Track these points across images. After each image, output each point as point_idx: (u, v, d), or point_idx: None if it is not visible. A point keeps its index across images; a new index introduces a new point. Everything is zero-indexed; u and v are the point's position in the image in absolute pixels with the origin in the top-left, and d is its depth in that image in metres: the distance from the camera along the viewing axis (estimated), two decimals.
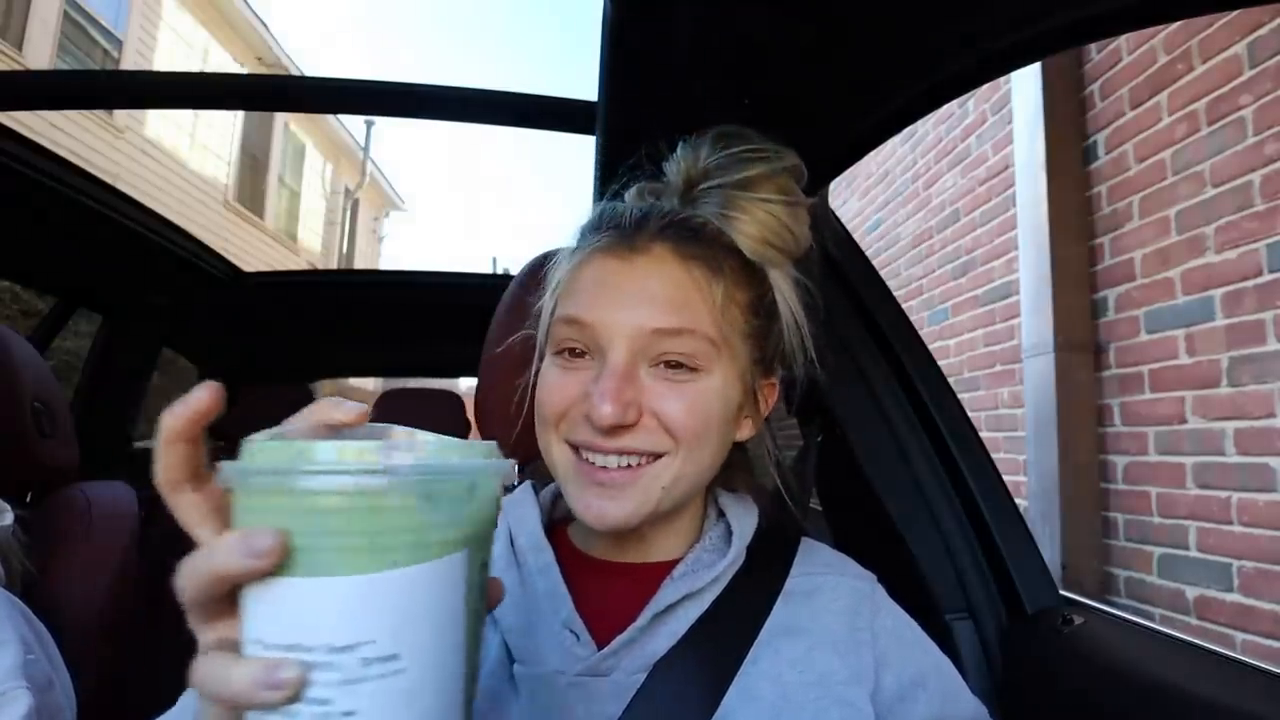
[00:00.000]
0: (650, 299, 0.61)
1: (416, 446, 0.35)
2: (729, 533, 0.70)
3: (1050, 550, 2.75)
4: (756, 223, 0.67)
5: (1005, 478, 1.05)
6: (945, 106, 2.04)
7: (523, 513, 0.73)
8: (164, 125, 8.79)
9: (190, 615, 0.35)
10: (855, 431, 1.08)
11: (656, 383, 0.61)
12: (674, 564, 0.68)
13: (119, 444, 2.33)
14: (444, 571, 0.34)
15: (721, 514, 0.72)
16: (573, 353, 0.64)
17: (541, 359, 0.70)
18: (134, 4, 8.36)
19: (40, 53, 7.14)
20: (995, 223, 3.48)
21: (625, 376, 0.60)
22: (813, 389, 1.09)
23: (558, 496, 0.77)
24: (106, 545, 1.20)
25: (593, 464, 0.61)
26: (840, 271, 1.12)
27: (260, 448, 0.35)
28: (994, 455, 1.06)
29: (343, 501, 0.32)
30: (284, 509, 0.32)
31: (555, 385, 0.64)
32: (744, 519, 0.71)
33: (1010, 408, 3.38)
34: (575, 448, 0.63)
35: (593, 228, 0.69)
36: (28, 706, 0.84)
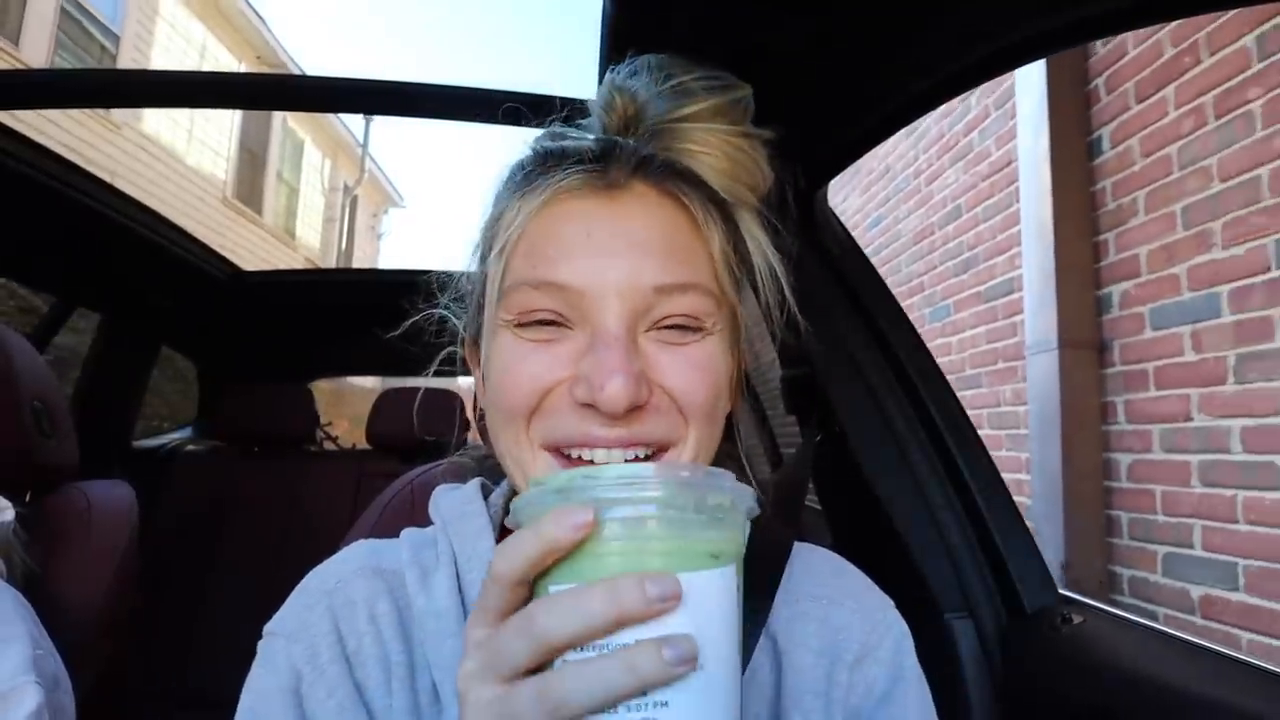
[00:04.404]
0: (646, 249, 0.50)
1: (680, 468, 0.39)
2: None
3: (1053, 549, 2.73)
4: (725, 157, 0.57)
5: (1008, 476, 1.03)
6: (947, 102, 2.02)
7: (473, 535, 0.58)
8: (161, 121, 8.76)
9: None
10: (854, 430, 1.06)
11: (659, 350, 0.50)
12: None
13: (118, 442, 2.38)
14: (725, 581, 0.37)
15: None
16: (544, 324, 0.51)
17: (473, 342, 0.59)
18: None
19: (37, 48, 7.12)
20: (998, 218, 3.46)
21: (629, 345, 0.48)
22: (812, 387, 1.11)
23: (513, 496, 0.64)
24: (106, 544, 1.19)
25: None
26: (839, 270, 1.11)
27: (555, 477, 0.39)
28: (996, 454, 1.04)
29: (639, 509, 0.36)
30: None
31: (522, 368, 0.50)
32: None
33: (1013, 405, 3.36)
34: (559, 451, 0.51)
35: (538, 166, 0.55)
36: (38, 701, 0.82)
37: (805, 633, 0.58)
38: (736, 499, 0.38)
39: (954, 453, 1.02)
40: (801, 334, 0.63)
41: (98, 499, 1.24)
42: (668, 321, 0.50)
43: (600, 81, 0.80)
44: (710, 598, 0.36)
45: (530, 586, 0.37)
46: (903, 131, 4.47)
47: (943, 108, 3.94)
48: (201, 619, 2.19)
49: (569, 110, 0.65)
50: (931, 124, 4.16)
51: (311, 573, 0.59)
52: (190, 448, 2.57)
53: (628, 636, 0.34)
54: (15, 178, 1.40)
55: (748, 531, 0.40)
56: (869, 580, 0.64)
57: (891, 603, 0.63)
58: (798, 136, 0.66)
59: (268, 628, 0.56)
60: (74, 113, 7.33)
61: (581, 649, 0.35)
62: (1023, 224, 3.06)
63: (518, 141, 0.61)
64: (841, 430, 1.07)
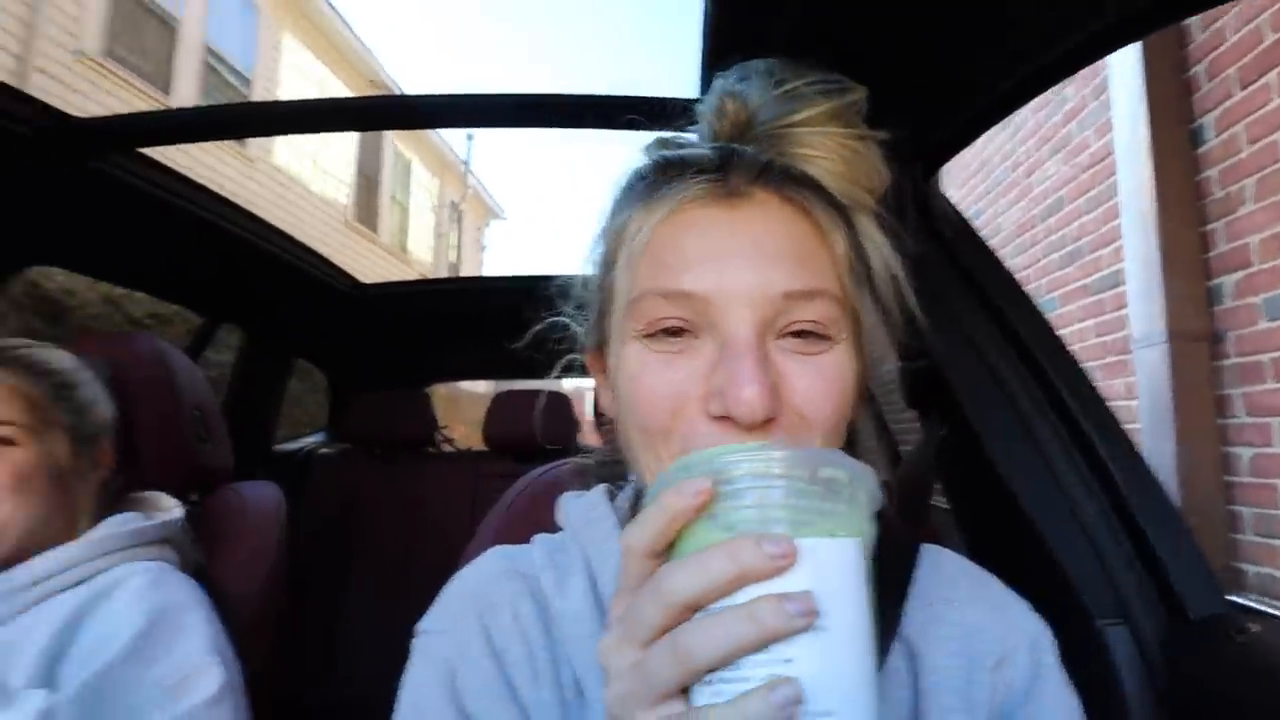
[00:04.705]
0: (773, 256, 0.50)
1: (801, 445, 0.45)
2: None
3: None
4: (842, 160, 0.56)
5: None
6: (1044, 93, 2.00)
7: (602, 537, 0.59)
8: (290, 152, 9.54)
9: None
10: (981, 422, 0.98)
11: (787, 360, 0.49)
12: None
13: (261, 446, 2.53)
14: (848, 550, 0.37)
15: None
16: (671, 334, 0.50)
17: (596, 350, 0.60)
18: (261, 46, 9.13)
19: (185, 97, 7.93)
20: (1101, 210, 3.38)
21: (760, 354, 0.48)
22: (932, 378, 1.02)
23: (637, 500, 0.63)
24: (260, 542, 1.25)
25: None
26: (954, 254, 1.04)
27: (681, 459, 0.40)
28: None
29: (758, 480, 0.37)
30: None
31: (653, 383, 0.50)
32: None
33: (1125, 399, 3.27)
34: None
35: (659, 175, 0.55)
36: (221, 681, 0.86)
37: (940, 635, 0.57)
38: (855, 477, 0.39)
39: (1095, 443, 0.92)
40: (922, 333, 0.62)
41: (251, 499, 1.30)
42: (795, 328, 0.49)
43: (702, 81, 0.81)
44: (829, 564, 0.36)
45: (662, 559, 0.39)
46: (999, 125, 4.37)
47: (1039, 100, 3.85)
48: (341, 619, 2.27)
49: (678, 116, 0.65)
50: (1029, 116, 4.07)
51: (453, 578, 0.61)
52: (324, 450, 2.70)
53: (750, 595, 0.35)
54: (175, 211, 1.50)
55: (876, 527, 0.40)
56: (999, 581, 0.63)
57: (1026, 603, 0.61)
58: (908, 127, 0.64)
59: (420, 626, 0.58)
60: (214, 150, 8.09)
61: (709, 611, 0.36)
62: (1123, 216, 3.00)
63: (621, 148, 0.61)
64: (965, 421, 0.99)
